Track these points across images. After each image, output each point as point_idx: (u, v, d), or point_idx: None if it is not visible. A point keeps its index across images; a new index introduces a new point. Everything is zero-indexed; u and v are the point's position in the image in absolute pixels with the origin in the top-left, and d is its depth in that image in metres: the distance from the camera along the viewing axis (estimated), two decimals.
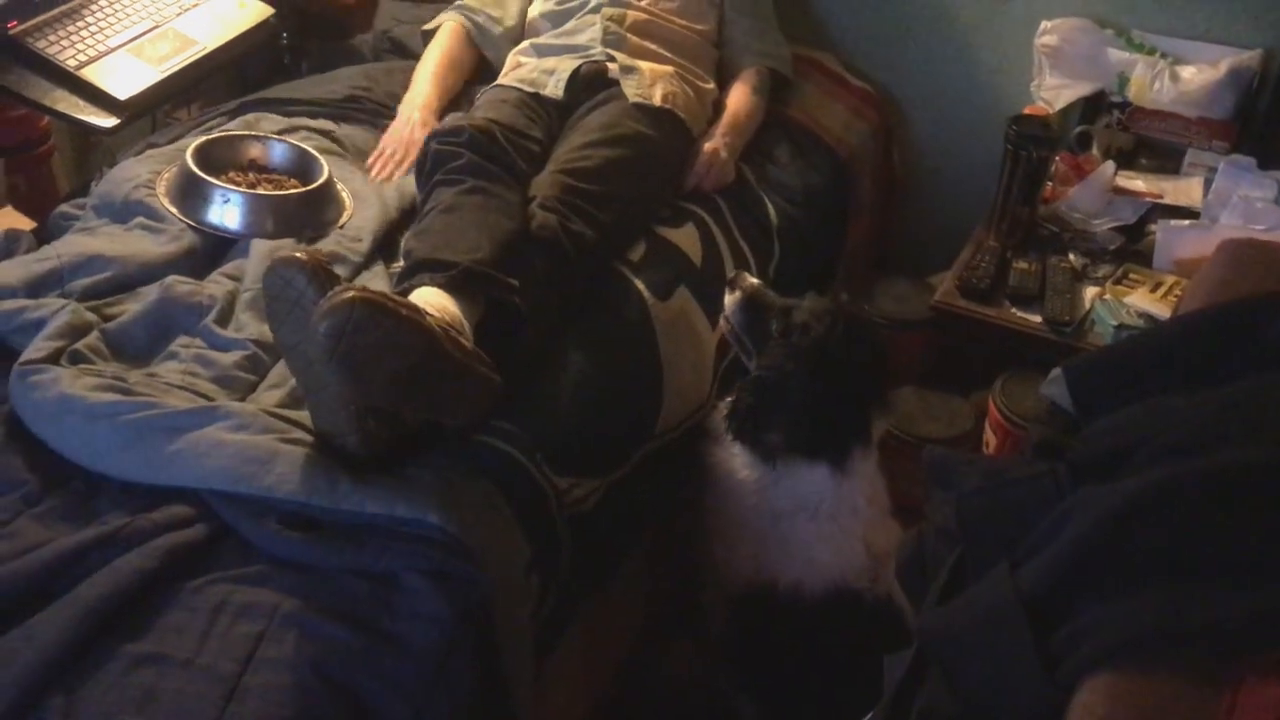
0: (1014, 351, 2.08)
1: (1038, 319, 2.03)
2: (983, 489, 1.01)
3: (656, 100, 2.04)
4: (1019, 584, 0.92)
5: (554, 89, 2.07)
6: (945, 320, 2.11)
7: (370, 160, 2.05)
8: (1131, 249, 2.15)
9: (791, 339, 1.66)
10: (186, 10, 2.15)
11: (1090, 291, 2.07)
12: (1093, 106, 2.39)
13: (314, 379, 1.39)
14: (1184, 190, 2.23)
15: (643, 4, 2.24)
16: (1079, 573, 0.90)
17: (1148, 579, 0.87)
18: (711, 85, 2.25)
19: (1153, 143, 2.35)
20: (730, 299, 1.77)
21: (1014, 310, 2.06)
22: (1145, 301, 1.99)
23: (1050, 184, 2.25)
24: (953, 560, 1.04)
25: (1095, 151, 2.33)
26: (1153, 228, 2.16)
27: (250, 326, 1.61)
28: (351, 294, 1.30)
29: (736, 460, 1.71)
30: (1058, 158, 2.27)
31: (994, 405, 2.03)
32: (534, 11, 2.31)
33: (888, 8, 2.60)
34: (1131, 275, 2.08)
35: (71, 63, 1.96)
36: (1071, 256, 2.13)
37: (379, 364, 1.32)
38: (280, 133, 2.02)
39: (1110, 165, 2.25)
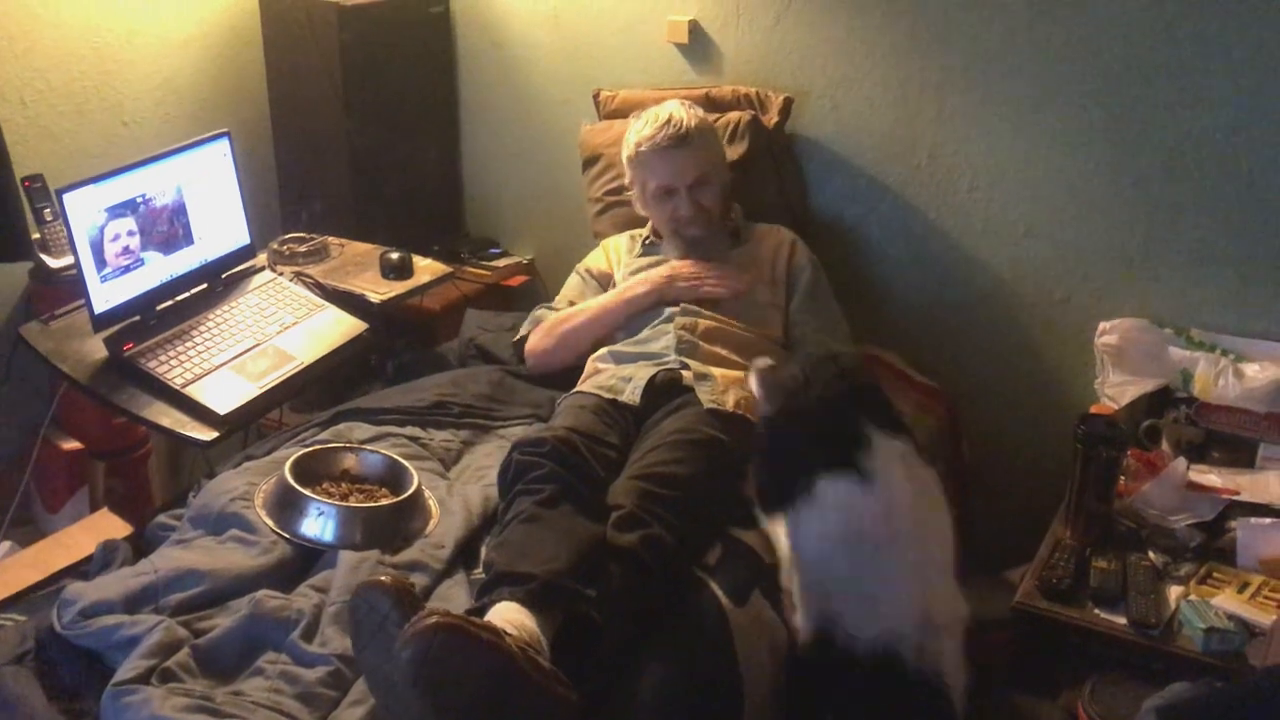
0: (1100, 651, 2.02)
1: (1122, 620, 1.98)
2: None
3: (729, 406, 2.11)
4: None
5: (631, 396, 2.15)
6: (1027, 621, 2.07)
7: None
8: (1213, 546, 2.12)
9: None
10: (287, 329, 2.30)
11: (1174, 591, 2.03)
12: (1158, 401, 2.41)
13: (395, 702, 1.41)
14: (1261, 486, 2.21)
15: (711, 311, 2.36)
16: None
17: None
18: None
19: (1224, 436, 2.36)
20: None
21: (1097, 611, 2.01)
22: (1233, 603, 1.95)
23: (1123, 479, 2.25)
24: None
25: (1165, 446, 2.34)
26: (1233, 524, 2.13)
27: (334, 641, 1.63)
28: (434, 620, 1.34)
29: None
30: (1128, 453, 2.28)
31: (1084, 713, 1.95)
32: None
33: (947, 309, 2.71)
34: (1216, 574, 2.04)
35: (178, 380, 2.10)
36: (1151, 554, 2.11)
37: (459, 688, 1.34)
38: (370, 440, 2.12)
39: (1182, 461, 2.25)
